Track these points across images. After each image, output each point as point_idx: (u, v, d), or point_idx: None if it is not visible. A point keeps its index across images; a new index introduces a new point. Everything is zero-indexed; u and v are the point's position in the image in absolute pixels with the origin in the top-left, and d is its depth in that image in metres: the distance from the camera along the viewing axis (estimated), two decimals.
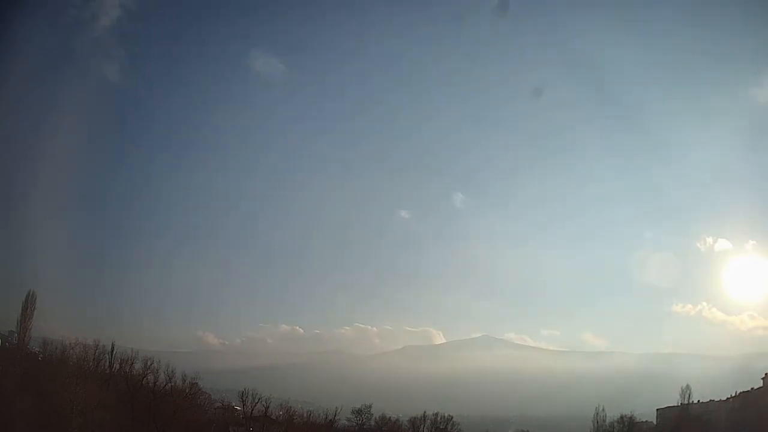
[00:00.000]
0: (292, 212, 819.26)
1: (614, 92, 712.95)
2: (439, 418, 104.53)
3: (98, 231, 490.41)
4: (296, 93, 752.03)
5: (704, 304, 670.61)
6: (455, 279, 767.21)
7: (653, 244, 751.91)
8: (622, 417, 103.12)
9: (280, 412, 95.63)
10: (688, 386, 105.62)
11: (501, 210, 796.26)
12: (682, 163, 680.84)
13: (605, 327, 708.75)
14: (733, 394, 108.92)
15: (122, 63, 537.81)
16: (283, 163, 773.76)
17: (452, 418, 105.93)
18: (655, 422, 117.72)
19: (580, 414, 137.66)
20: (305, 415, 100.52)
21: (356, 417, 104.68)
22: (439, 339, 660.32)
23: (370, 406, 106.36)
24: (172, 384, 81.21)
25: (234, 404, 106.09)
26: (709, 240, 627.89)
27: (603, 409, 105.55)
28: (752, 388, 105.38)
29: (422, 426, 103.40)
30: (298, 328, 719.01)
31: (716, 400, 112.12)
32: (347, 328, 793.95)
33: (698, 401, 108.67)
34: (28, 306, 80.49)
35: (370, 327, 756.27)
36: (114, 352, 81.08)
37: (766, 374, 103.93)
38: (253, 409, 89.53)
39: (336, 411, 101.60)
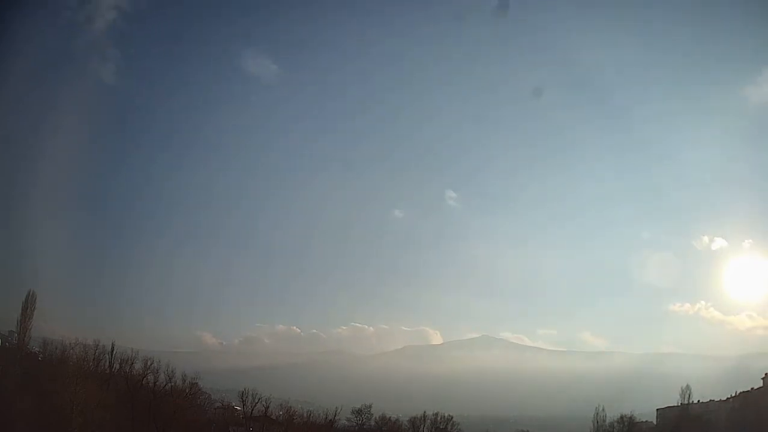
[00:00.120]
0: (290, 212, 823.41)
1: (614, 92, 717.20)
2: (439, 418, 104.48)
3: (98, 231, 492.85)
4: (297, 93, 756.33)
5: (703, 303, 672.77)
6: (453, 279, 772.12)
7: (651, 244, 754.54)
8: (622, 417, 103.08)
9: (280, 412, 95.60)
10: (688, 386, 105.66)
11: (500, 210, 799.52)
12: (681, 163, 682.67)
13: (603, 327, 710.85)
14: (733, 394, 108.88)
15: (118, 64, 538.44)
16: (283, 163, 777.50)
17: (452, 418, 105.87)
18: (655, 422, 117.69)
19: (580, 414, 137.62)
20: (305, 415, 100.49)
21: (356, 417, 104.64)
22: (437, 338, 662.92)
23: (370, 406, 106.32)
24: (172, 384, 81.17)
25: (234, 404, 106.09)
26: (708, 240, 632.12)
27: (603, 409, 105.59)
28: (752, 388, 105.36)
29: (422, 426, 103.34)
30: (295, 328, 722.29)
31: (716, 400, 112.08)
32: (344, 327, 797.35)
33: (698, 401, 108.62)
34: (28, 306, 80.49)
35: (366, 327, 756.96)
36: (114, 352, 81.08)
37: (766, 374, 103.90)
38: (253, 409, 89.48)
39: (336, 411, 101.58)
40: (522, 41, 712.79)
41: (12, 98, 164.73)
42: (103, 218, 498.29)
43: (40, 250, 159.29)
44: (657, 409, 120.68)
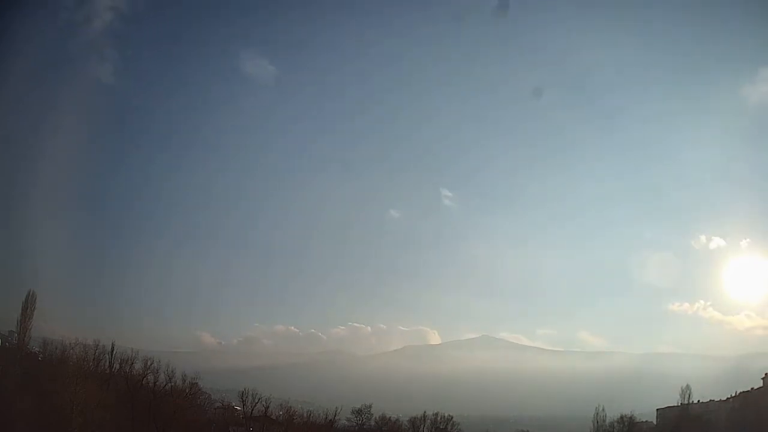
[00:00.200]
0: (288, 213, 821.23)
1: (613, 92, 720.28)
2: (439, 418, 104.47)
3: (98, 231, 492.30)
4: (296, 93, 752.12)
5: (702, 302, 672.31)
6: (452, 279, 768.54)
7: (650, 244, 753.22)
8: (622, 417, 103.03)
9: (280, 412, 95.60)
10: (688, 386, 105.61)
11: (499, 210, 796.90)
12: (680, 163, 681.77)
13: (602, 326, 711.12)
14: (733, 394, 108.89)
15: (116, 65, 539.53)
16: (281, 163, 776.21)
17: (452, 418, 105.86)
18: (655, 422, 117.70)
19: (580, 414, 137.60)
20: (305, 415, 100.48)
21: (356, 417, 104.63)
22: (435, 338, 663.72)
23: (370, 406, 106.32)
24: (172, 384, 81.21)
25: (234, 404, 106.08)
26: (707, 239, 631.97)
27: (603, 409, 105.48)
28: (752, 388, 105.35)
29: (422, 426, 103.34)
30: (293, 328, 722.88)
31: (716, 400, 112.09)
32: (342, 327, 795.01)
33: (698, 401, 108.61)
34: (28, 306, 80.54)
35: (364, 326, 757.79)
36: (114, 352, 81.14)
37: (766, 374, 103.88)
38: (253, 409, 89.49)
39: (336, 411, 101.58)
40: (522, 41, 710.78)
41: (11, 98, 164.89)
42: (103, 218, 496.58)
43: (40, 250, 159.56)
44: (657, 409, 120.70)
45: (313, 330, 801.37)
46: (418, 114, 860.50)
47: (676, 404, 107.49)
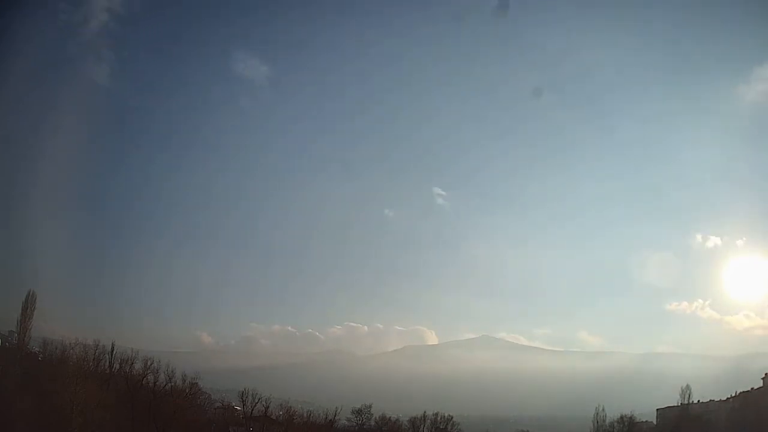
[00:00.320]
0: (286, 213, 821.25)
1: (612, 92, 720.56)
2: (439, 418, 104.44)
3: (98, 231, 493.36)
4: (295, 94, 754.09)
5: (700, 302, 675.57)
6: (450, 279, 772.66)
7: (649, 244, 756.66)
8: (622, 417, 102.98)
9: (280, 412, 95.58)
10: (688, 386, 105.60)
11: (499, 210, 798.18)
12: (679, 163, 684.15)
13: (601, 326, 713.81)
14: (733, 394, 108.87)
15: (112, 66, 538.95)
16: (280, 164, 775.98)
17: (452, 418, 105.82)
18: (655, 422, 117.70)
19: (580, 414, 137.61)
20: (305, 415, 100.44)
21: (356, 417, 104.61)
22: (432, 338, 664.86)
23: (370, 406, 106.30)
24: (172, 384, 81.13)
25: (234, 404, 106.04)
26: (706, 239, 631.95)
27: (603, 409, 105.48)
28: (752, 388, 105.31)
29: (422, 426, 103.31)
30: (290, 327, 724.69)
31: (716, 400, 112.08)
32: (339, 327, 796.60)
33: (698, 401, 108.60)
34: (28, 306, 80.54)
35: (361, 326, 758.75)
36: (114, 352, 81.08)
37: (766, 374, 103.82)
38: (253, 409, 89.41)
39: (336, 411, 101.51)
40: (521, 41, 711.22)
41: (11, 99, 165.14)
42: (103, 218, 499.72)
43: (40, 250, 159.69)
44: (657, 409, 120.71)
45: (310, 330, 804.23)
46: (416, 114, 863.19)
47: (676, 404, 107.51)
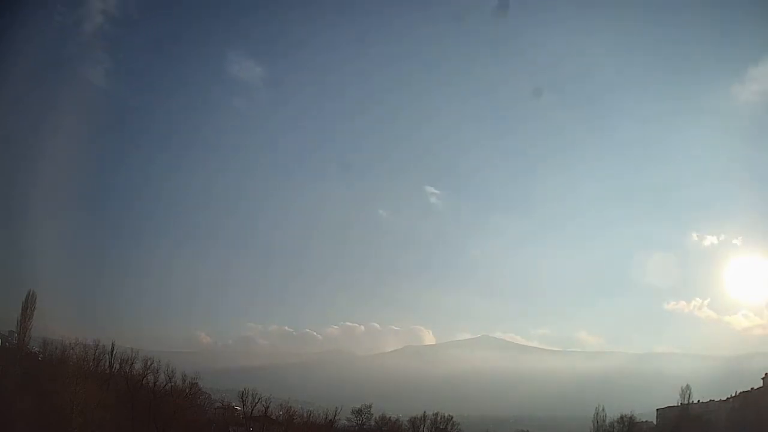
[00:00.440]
0: (284, 214, 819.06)
1: (612, 92, 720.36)
2: (439, 418, 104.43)
3: (98, 231, 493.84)
4: (294, 94, 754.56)
5: (699, 300, 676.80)
6: (446, 278, 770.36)
7: (647, 243, 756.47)
8: (622, 417, 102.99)
9: (280, 412, 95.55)
10: (688, 386, 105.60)
11: (497, 210, 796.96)
12: (678, 163, 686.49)
13: (600, 326, 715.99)
14: (733, 394, 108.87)
15: (108, 67, 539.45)
16: (279, 165, 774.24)
17: (452, 418, 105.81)
18: (655, 422, 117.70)
19: (580, 414, 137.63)
20: (305, 415, 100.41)
21: (356, 417, 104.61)
22: (429, 338, 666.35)
23: (370, 406, 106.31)
24: (172, 384, 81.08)
25: (234, 404, 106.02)
26: (704, 238, 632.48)
27: (603, 409, 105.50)
28: (752, 388, 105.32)
29: (422, 426, 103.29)
30: (287, 327, 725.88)
31: (716, 400, 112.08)
32: (335, 327, 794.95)
33: (698, 401, 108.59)
34: (28, 306, 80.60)
35: (358, 326, 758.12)
36: (114, 352, 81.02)
37: (766, 374, 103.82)
38: (253, 409, 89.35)
39: (336, 411, 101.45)
40: (520, 42, 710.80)
41: (10, 100, 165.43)
42: (102, 219, 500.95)
43: (40, 250, 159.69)
44: (657, 409, 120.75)
45: (308, 330, 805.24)
46: (413, 114, 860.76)
47: (676, 404, 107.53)
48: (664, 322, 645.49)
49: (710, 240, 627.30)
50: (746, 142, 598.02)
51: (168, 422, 73.64)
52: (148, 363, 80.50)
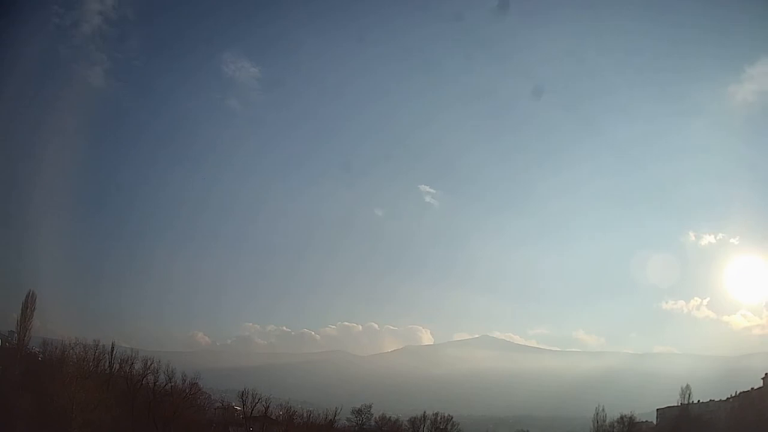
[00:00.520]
0: (285, 214, 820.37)
1: (609, 92, 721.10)
2: (439, 418, 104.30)
3: (97, 232, 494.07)
4: (291, 95, 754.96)
5: (698, 300, 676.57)
6: (444, 278, 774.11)
7: (645, 243, 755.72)
8: (622, 417, 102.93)
9: (280, 412, 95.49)
10: (688, 386, 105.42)
11: (496, 211, 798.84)
12: (676, 162, 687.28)
13: (598, 326, 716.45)
14: (733, 394, 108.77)
15: (106, 68, 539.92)
16: (276, 166, 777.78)
17: (452, 418, 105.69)
18: (655, 422, 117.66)
19: (580, 414, 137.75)
20: (305, 415, 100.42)
21: (356, 417, 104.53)
22: (427, 337, 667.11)
23: (370, 406, 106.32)
24: (172, 384, 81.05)
25: (234, 404, 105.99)
26: (701, 237, 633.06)
27: (603, 409, 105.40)
28: (752, 388, 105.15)
29: (422, 426, 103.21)
30: (285, 327, 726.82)
31: (716, 400, 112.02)
32: (332, 327, 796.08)
33: (698, 401, 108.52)
34: (28, 306, 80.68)
35: (355, 325, 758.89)
36: (114, 352, 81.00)
37: (766, 374, 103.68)
38: (253, 409, 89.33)
39: (336, 411, 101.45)
40: (519, 42, 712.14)
41: (10, 101, 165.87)
42: (102, 219, 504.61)
43: (40, 250, 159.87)
44: (657, 409, 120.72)
45: (306, 330, 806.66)
46: (412, 114, 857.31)
47: (676, 404, 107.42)
48: (662, 322, 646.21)
49: (708, 239, 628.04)
50: (745, 141, 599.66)
51: (168, 422, 73.64)
52: (148, 363, 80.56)
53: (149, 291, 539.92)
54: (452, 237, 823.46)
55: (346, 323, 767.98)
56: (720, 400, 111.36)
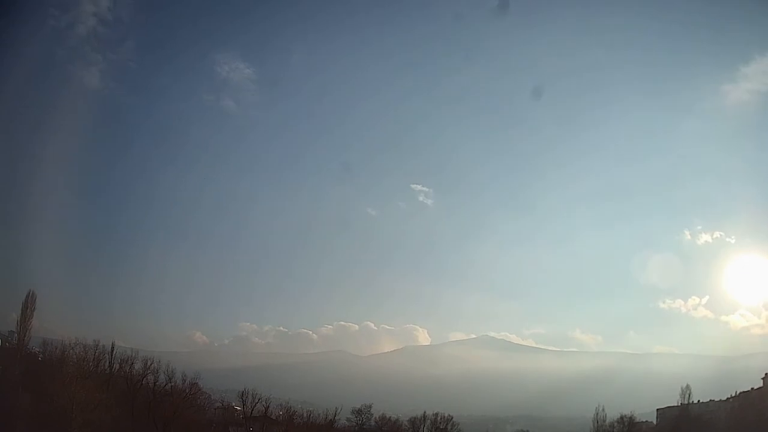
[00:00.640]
0: (279, 214, 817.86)
1: (606, 90, 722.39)
2: (439, 418, 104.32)
3: (96, 232, 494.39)
4: (285, 95, 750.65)
5: (696, 299, 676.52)
6: (439, 277, 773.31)
7: (643, 242, 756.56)
8: (622, 417, 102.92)
9: (280, 412, 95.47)
10: (688, 386, 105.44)
11: (495, 211, 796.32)
12: (675, 161, 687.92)
13: (597, 325, 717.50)
14: (733, 394, 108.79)
15: (101, 69, 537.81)
16: (272, 165, 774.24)
17: (452, 418, 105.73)
18: (655, 422, 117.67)
19: (580, 414, 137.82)
20: (305, 415, 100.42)
21: (356, 417, 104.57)
22: (424, 336, 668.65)
23: (370, 406, 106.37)
24: (172, 384, 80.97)
25: (234, 404, 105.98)
26: (698, 237, 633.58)
27: (603, 409, 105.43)
28: (752, 388, 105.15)
29: (422, 426, 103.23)
30: (281, 327, 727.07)
31: (716, 400, 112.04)
32: (329, 326, 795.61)
33: (698, 401, 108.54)
34: (28, 306, 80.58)
35: (352, 325, 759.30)
36: (114, 352, 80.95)
37: (766, 374, 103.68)
38: (253, 409, 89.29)
39: (336, 411, 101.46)
40: (513, 40, 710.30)
41: (6, 102, 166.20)
42: (101, 219, 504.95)
43: (40, 250, 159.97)
44: (657, 409, 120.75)
45: (303, 329, 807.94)
46: (409, 113, 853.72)
47: (676, 404, 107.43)
48: (661, 322, 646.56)
49: (705, 238, 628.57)
50: (740, 139, 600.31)
51: (168, 422, 73.59)
52: (148, 363, 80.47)
53: (147, 291, 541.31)
54: (447, 236, 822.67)
55: (343, 323, 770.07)
56: (720, 400, 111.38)
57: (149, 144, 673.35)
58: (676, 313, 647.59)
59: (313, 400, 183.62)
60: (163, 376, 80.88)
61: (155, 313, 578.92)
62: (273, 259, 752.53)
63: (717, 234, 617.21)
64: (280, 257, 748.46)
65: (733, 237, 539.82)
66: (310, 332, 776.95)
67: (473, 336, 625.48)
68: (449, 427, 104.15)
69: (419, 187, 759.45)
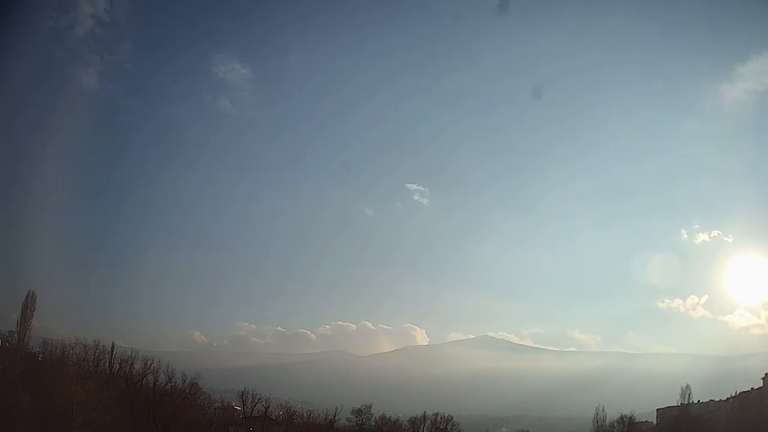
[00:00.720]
0: (278, 215, 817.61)
1: (604, 90, 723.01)
2: (439, 418, 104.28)
3: (96, 232, 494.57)
4: (282, 95, 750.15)
5: (694, 298, 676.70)
6: (438, 277, 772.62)
7: (642, 241, 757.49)
8: (622, 417, 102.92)
9: (280, 412, 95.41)
10: (688, 386, 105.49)
11: (493, 211, 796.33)
12: (674, 161, 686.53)
13: (595, 325, 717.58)
14: (733, 394, 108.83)
15: (99, 70, 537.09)
16: (271, 166, 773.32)
17: (452, 418, 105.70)
18: (655, 422, 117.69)
19: (580, 414, 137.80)
20: (305, 415, 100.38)
21: (356, 417, 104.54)
22: (422, 336, 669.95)
23: (370, 406, 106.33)
24: (172, 384, 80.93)
25: (234, 404, 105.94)
26: (696, 236, 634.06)
27: (603, 409, 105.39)
28: (752, 388, 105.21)
29: (422, 426, 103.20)
30: (279, 327, 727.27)
31: (716, 400, 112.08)
32: (327, 326, 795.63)
33: (698, 401, 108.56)
34: (28, 306, 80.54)
35: (350, 324, 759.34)
36: (114, 352, 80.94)
37: (766, 374, 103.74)
38: (253, 409, 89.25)
39: (336, 411, 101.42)
40: (511, 41, 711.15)
41: (5, 103, 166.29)
42: (100, 220, 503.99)
43: (40, 250, 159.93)
44: (657, 409, 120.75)
45: (301, 329, 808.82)
46: (406, 113, 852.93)
47: (676, 404, 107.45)
48: (660, 322, 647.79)
49: (702, 237, 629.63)
50: (738, 139, 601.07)
51: (168, 422, 73.54)
52: (148, 363, 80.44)
53: (147, 291, 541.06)
54: (446, 236, 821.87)
55: (340, 323, 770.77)
56: (720, 400, 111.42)
57: (148, 144, 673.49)
58: (675, 313, 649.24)
59: (312, 400, 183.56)
60: (163, 376, 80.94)
61: (155, 313, 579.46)
62: (271, 259, 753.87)
63: (714, 233, 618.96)
64: (278, 257, 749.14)
65: (730, 236, 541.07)
66: (308, 332, 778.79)
67: (472, 336, 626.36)
68: (449, 427, 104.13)
69: (414, 186, 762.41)
